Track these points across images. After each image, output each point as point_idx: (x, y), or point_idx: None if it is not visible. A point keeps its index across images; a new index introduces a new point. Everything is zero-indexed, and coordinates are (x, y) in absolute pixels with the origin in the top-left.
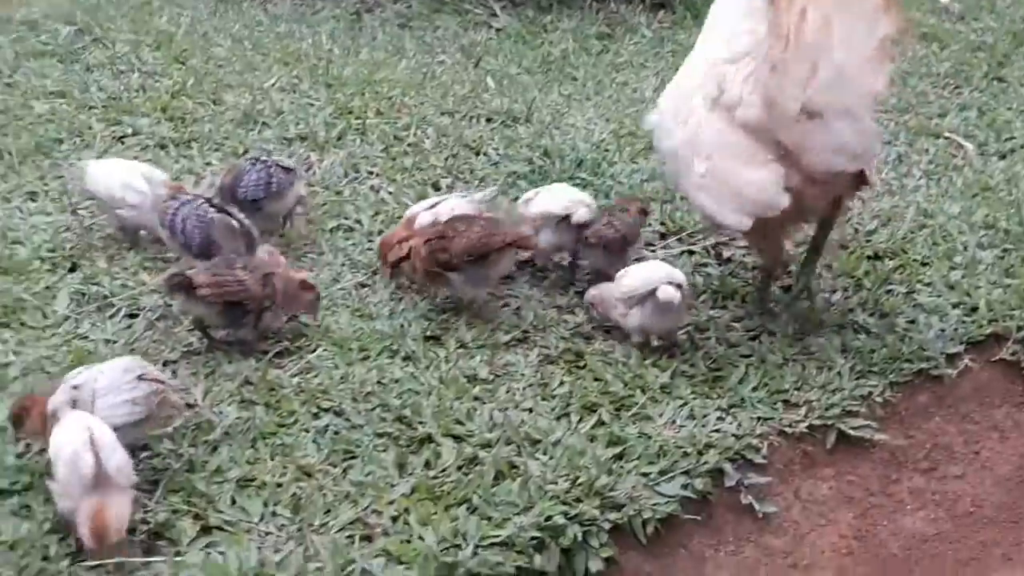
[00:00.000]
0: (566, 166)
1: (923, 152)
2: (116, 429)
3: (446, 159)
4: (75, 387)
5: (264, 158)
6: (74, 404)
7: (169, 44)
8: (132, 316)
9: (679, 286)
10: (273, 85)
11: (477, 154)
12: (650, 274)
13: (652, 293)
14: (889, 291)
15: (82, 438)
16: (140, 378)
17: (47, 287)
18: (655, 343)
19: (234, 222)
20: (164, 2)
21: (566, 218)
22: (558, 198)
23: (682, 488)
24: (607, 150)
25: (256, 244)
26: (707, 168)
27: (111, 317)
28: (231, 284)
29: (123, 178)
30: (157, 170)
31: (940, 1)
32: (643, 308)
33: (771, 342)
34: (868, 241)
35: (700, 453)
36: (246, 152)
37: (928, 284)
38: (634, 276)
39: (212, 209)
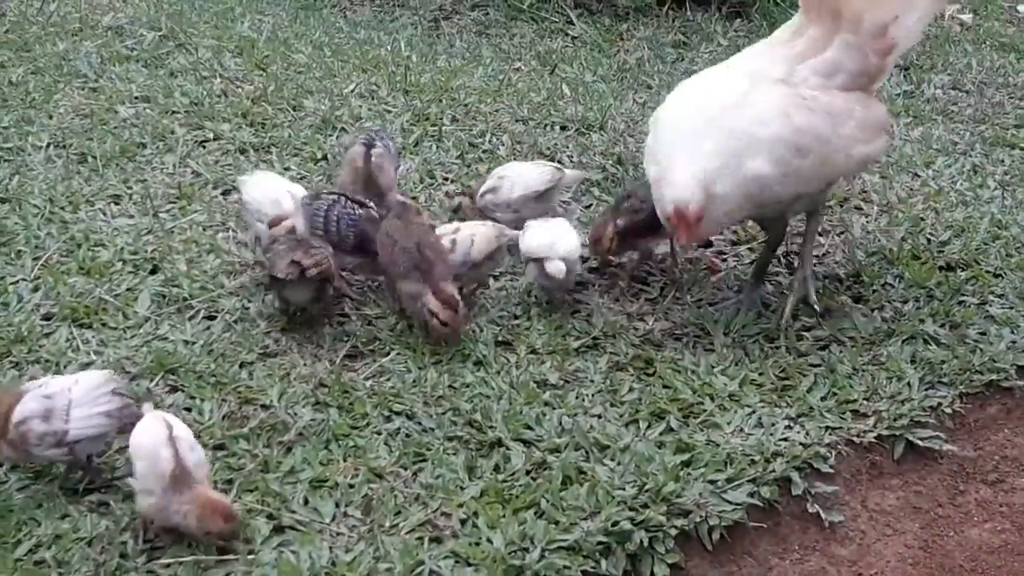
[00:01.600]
0: (639, 174)
1: (998, 163)
2: (81, 440)
3: None
4: (47, 396)
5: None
6: (48, 413)
7: (251, 50)
8: (210, 318)
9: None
10: (352, 91)
11: (551, 161)
12: (545, 240)
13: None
14: (961, 302)
15: (162, 435)
16: (114, 392)
17: (128, 289)
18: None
19: (375, 213)
20: (246, 9)
21: None
22: None
23: (749, 496)
24: None
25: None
26: None
27: (190, 319)
28: (324, 261)
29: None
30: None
31: (1019, 10)
32: (535, 267)
33: (840, 352)
34: (940, 252)
35: (767, 461)
36: (324, 158)
37: (1000, 295)
38: (533, 236)
39: (355, 205)
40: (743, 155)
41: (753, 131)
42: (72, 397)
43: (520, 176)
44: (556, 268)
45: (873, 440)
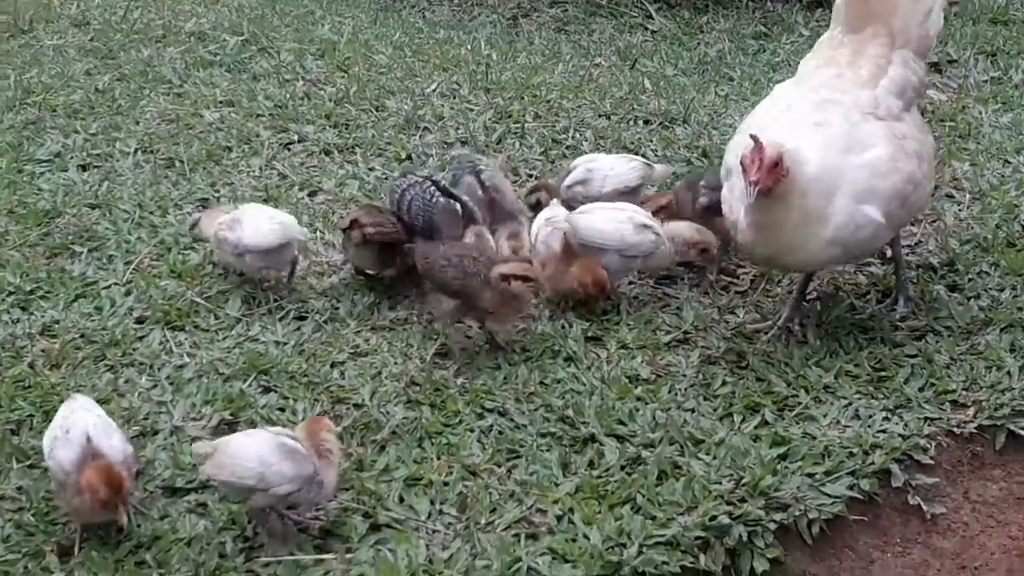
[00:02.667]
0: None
1: None
2: None
3: None
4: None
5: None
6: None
7: (332, 52)
8: (301, 319)
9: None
10: (433, 91)
11: (636, 155)
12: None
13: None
14: None
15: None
16: None
17: (219, 291)
18: None
19: (457, 207)
20: (326, 11)
21: None
22: None
23: (848, 489)
24: None
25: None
26: None
27: (281, 320)
28: (387, 226)
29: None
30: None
31: None
32: None
33: (937, 342)
34: None
35: (866, 453)
36: (408, 157)
37: None
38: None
39: (438, 193)
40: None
41: (871, 183)
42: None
43: (612, 170)
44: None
45: (974, 430)
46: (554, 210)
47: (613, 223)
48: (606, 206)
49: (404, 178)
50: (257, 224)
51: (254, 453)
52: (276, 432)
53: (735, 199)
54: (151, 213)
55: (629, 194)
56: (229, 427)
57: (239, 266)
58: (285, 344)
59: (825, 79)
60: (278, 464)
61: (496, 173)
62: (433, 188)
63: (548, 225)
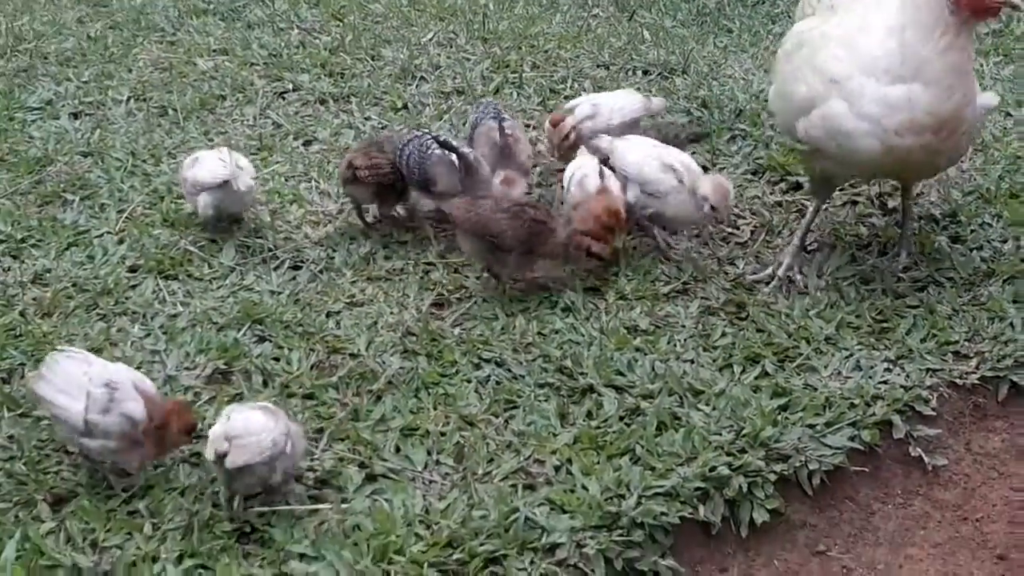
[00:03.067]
0: (725, 116)
1: None
2: None
3: None
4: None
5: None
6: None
7: (327, 1)
8: (296, 268)
9: None
10: (430, 40)
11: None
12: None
13: None
14: None
15: None
16: None
17: (212, 240)
18: None
19: (453, 158)
20: None
21: None
22: None
23: (849, 440)
24: (766, 100)
25: (480, 175)
26: None
27: (275, 269)
28: (383, 167)
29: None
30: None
31: None
32: None
33: (939, 293)
34: None
35: (867, 405)
36: (404, 107)
37: None
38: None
39: (435, 145)
40: None
41: None
42: None
43: (616, 103)
44: None
45: (976, 382)
46: (585, 157)
47: (640, 154)
48: (646, 140)
49: (407, 133)
50: (208, 162)
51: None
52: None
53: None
54: (144, 161)
55: (632, 125)
56: (223, 376)
57: (195, 206)
58: (280, 293)
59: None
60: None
61: (517, 124)
62: (430, 140)
63: (581, 168)
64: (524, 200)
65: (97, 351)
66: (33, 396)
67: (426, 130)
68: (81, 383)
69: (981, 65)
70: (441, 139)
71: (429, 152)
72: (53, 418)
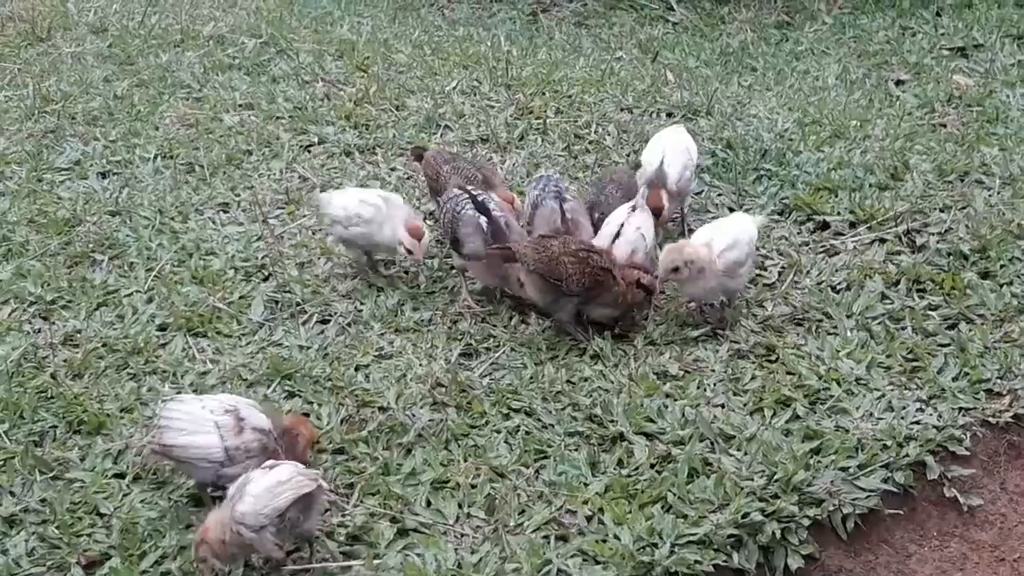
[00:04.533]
0: (750, 157)
1: None
2: None
3: (627, 155)
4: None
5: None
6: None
7: (351, 53)
8: (324, 322)
9: None
10: (454, 88)
11: None
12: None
13: None
14: None
15: None
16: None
17: (241, 296)
18: None
19: (482, 220)
20: (344, 12)
21: None
22: None
23: (883, 482)
24: (791, 139)
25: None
26: None
27: (304, 323)
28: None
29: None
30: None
31: None
32: None
33: (970, 330)
34: None
35: (900, 446)
36: None
37: None
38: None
39: (470, 206)
40: None
41: None
42: None
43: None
44: None
45: (1010, 420)
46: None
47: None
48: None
49: (450, 191)
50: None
51: None
52: None
53: None
54: (172, 219)
55: None
56: None
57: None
58: (308, 348)
59: None
60: None
61: (579, 204)
62: (466, 200)
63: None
64: (588, 245)
65: (127, 411)
66: (162, 450)
67: (471, 189)
68: (205, 417)
69: (1008, 96)
70: (479, 199)
71: (462, 212)
72: (189, 463)
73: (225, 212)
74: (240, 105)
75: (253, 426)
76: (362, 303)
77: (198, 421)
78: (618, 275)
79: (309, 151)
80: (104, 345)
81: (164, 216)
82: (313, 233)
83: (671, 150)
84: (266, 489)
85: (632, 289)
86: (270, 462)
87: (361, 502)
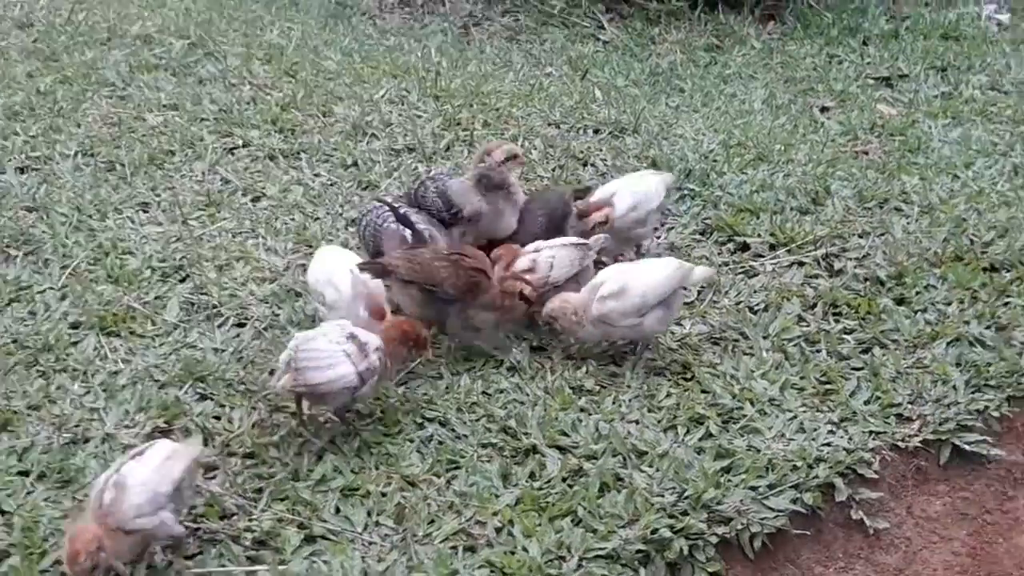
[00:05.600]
0: (675, 176)
1: None
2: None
3: (553, 170)
4: None
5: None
6: None
7: (280, 57)
8: (240, 325)
9: None
10: (382, 97)
11: (584, 165)
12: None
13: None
14: (1007, 303)
15: None
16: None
17: (157, 296)
18: None
19: (407, 233)
20: (275, 17)
21: None
22: None
23: (791, 502)
24: (715, 160)
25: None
26: None
27: (219, 326)
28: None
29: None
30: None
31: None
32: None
33: (884, 355)
34: (984, 253)
35: (810, 467)
36: (355, 164)
37: None
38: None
39: (392, 219)
40: None
41: None
42: None
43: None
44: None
45: (918, 445)
46: None
47: None
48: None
49: (369, 204)
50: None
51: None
52: None
53: None
54: (90, 216)
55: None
56: (163, 435)
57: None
58: (223, 351)
59: None
60: None
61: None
62: (388, 213)
63: None
64: (459, 248)
65: (35, 408)
66: (307, 389)
67: (391, 201)
68: (335, 350)
69: (930, 127)
70: (400, 212)
71: (384, 225)
72: (330, 394)
73: (145, 212)
74: (165, 105)
75: (374, 347)
76: (279, 307)
77: (332, 355)
78: (492, 275)
79: (233, 154)
80: (14, 341)
81: (82, 213)
82: (233, 236)
83: (634, 185)
84: (154, 470)
85: (514, 299)
86: (136, 449)
87: (269, 507)
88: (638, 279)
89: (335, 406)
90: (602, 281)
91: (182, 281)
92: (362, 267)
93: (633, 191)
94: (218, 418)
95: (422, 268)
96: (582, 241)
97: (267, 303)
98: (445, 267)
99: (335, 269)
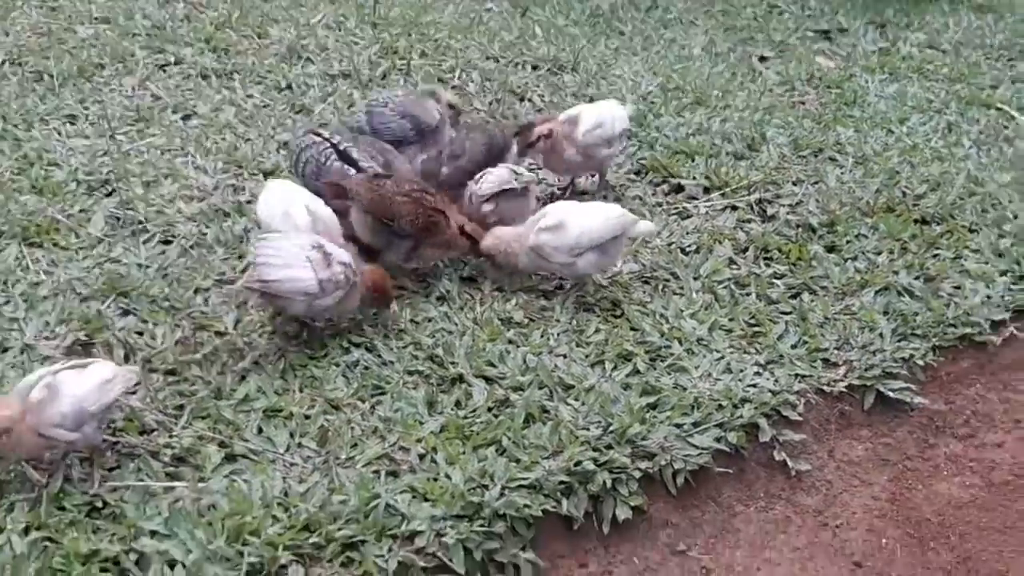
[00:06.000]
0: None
1: (974, 122)
2: None
3: (490, 103)
4: None
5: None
6: None
7: None
8: (166, 242)
9: None
10: (319, 22)
11: (521, 100)
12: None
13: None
14: (936, 255)
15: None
16: None
17: (82, 209)
18: None
19: (349, 170)
20: None
21: None
22: None
23: (715, 441)
24: (653, 103)
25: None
26: None
27: (145, 242)
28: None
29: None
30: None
31: None
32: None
33: (812, 300)
34: (916, 205)
35: (735, 407)
36: (289, 87)
37: (976, 251)
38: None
39: (334, 155)
40: None
41: None
42: None
43: None
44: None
45: (843, 390)
46: None
47: None
48: None
49: (304, 137)
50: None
51: None
52: None
53: None
54: (15, 126)
55: None
56: (83, 348)
57: None
58: (148, 267)
59: None
60: None
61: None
62: (330, 151)
63: None
64: (423, 185)
65: None
66: (260, 286)
67: (329, 136)
68: (297, 253)
69: (867, 81)
70: (341, 148)
71: (328, 164)
72: (286, 297)
73: (72, 124)
74: (96, 18)
75: (339, 260)
76: (207, 226)
77: (292, 256)
78: (452, 217)
79: (164, 71)
80: None
81: (7, 123)
82: (162, 153)
83: (598, 109)
84: (90, 389)
85: (458, 236)
86: (78, 361)
87: (190, 424)
88: (577, 219)
89: (294, 312)
90: (544, 214)
91: (108, 195)
92: (324, 184)
93: (599, 112)
94: (140, 334)
95: (382, 201)
96: (515, 168)
97: (194, 221)
98: (406, 203)
99: (291, 202)
